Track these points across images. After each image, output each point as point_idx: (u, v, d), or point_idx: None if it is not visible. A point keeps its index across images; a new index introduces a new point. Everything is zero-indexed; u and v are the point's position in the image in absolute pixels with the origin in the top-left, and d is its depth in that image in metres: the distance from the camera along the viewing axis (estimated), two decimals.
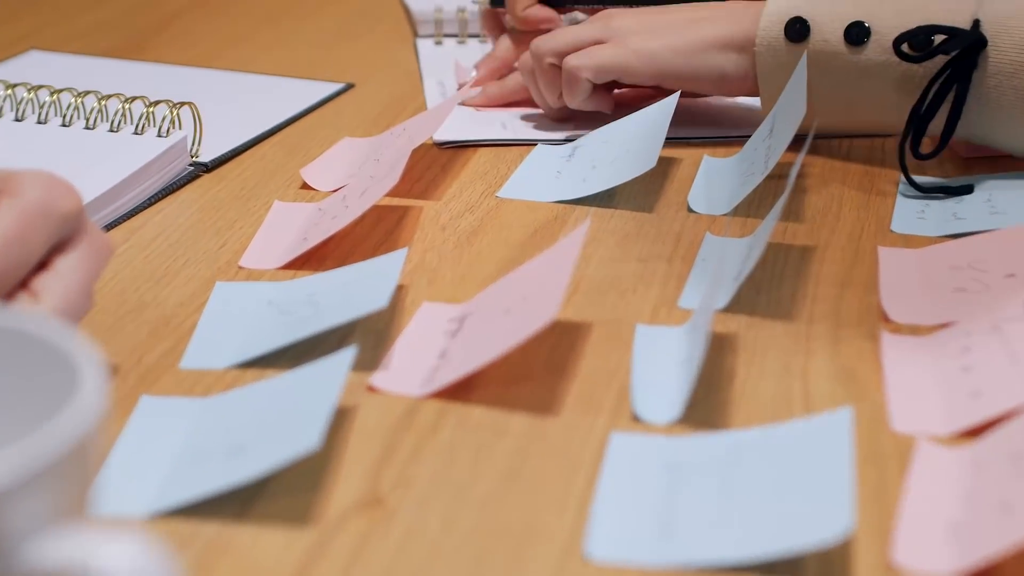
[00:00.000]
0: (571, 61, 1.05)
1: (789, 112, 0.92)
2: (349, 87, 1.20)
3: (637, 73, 1.05)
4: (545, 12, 1.16)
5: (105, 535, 0.48)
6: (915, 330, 0.79)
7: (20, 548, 0.47)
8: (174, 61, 1.28)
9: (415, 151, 0.99)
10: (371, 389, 0.74)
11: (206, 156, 1.04)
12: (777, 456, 0.66)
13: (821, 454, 0.65)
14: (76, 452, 0.47)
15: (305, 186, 1.00)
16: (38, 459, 0.46)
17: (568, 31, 1.08)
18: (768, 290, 0.84)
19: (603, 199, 0.96)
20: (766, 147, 0.95)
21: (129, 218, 0.95)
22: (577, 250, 0.76)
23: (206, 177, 1.02)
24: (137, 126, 1.02)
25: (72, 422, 0.48)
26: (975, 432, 0.69)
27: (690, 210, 0.95)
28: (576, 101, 1.07)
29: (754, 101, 1.13)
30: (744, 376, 0.75)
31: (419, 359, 0.76)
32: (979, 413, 0.70)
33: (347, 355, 0.70)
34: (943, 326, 0.79)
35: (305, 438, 0.65)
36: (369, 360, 0.77)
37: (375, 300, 0.77)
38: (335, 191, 0.98)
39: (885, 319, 0.81)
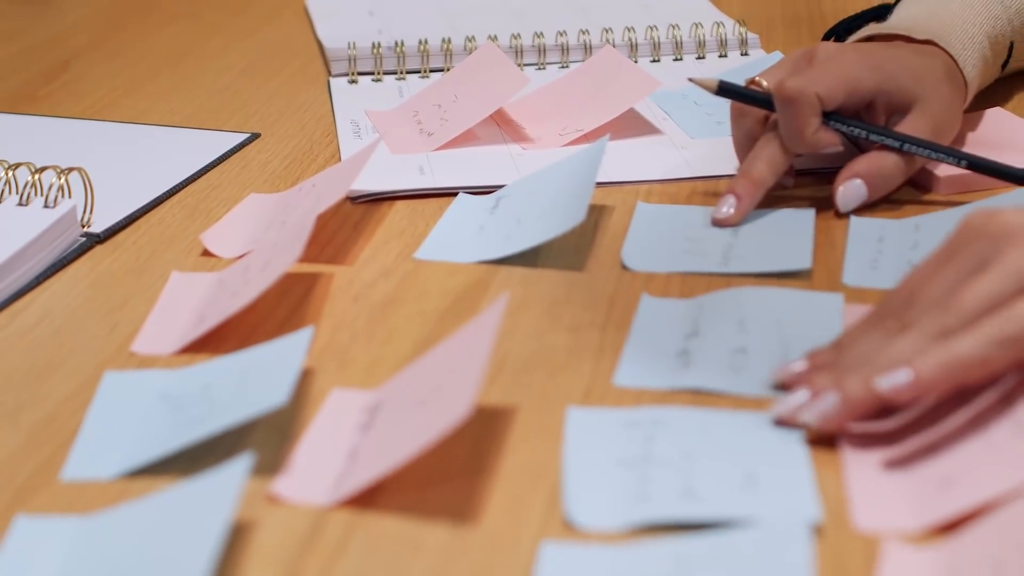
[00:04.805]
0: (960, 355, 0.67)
1: (776, 248, 0.89)
2: (255, 137, 1.12)
3: None
4: (834, 136, 0.93)
5: None
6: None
7: None
8: (68, 111, 1.19)
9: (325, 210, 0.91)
10: (272, 499, 0.66)
11: (99, 224, 0.95)
12: (730, 571, 0.58)
13: (778, 571, 0.58)
14: None
15: (207, 252, 0.92)
16: None
17: (983, 278, 0.68)
18: None
19: (529, 258, 0.89)
20: (725, 243, 0.89)
21: (12, 302, 0.86)
22: (493, 331, 0.68)
23: (99, 248, 0.93)
24: (22, 195, 0.93)
25: None
26: (948, 527, 0.62)
27: (624, 267, 0.88)
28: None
29: (685, 139, 1.06)
30: None
31: (327, 460, 0.69)
32: (952, 505, 0.62)
33: (240, 466, 0.62)
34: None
35: (191, 570, 0.57)
36: (271, 461, 0.69)
37: (274, 395, 0.69)
38: (239, 258, 0.90)
39: None
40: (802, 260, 0.86)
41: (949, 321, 0.68)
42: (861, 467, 0.66)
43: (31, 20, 1.48)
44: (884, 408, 0.68)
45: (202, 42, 1.39)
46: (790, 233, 0.90)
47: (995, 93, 1.08)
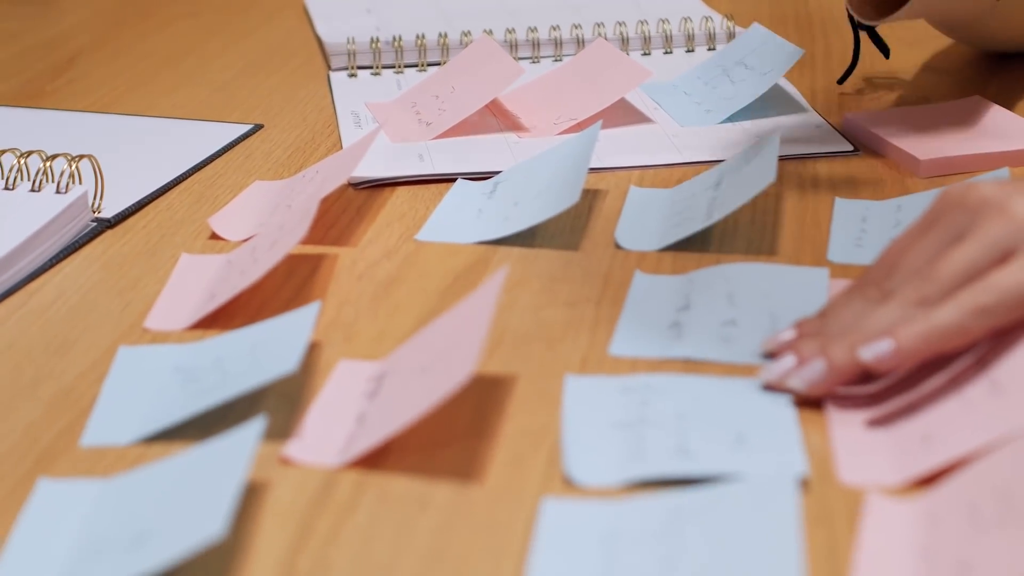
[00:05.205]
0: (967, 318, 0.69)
1: (749, 176, 0.90)
2: (258, 128, 1.15)
3: None
4: None
5: None
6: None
7: None
8: (73, 107, 1.23)
9: (328, 194, 0.94)
10: (284, 461, 0.69)
11: (109, 210, 0.98)
12: (720, 524, 0.61)
13: (766, 520, 0.61)
14: None
15: (214, 236, 0.95)
16: None
17: (961, 248, 0.71)
18: None
19: (527, 238, 0.92)
20: (709, 198, 0.91)
21: (27, 283, 0.89)
22: (493, 300, 0.71)
23: (109, 232, 0.96)
24: (34, 182, 0.96)
25: None
26: (927, 480, 0.65)
27: (618, 246, 0.91)
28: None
29: (675, 128, 1.10)
30: None
31: (336, 425, 0.72)
32: (931, 460, 0.66)
33: (255, 428, 0.65)
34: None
35: (209, 525, 0.60)
36: (283, 427, 0.72)
37: (284, 363, 0.72)
38: (245, 240, 0.93)
39: None
40: (767, 176, 0.88)
41: (928, 290, 0.71)
42: (845, 425, 0.70)
43: (32, 21, 1.51)
44: (866, 373, 0.71)
45: (203, 42, 1.43)
46: (758, 161, 0.92)
47: (973, 81, 1.12)
